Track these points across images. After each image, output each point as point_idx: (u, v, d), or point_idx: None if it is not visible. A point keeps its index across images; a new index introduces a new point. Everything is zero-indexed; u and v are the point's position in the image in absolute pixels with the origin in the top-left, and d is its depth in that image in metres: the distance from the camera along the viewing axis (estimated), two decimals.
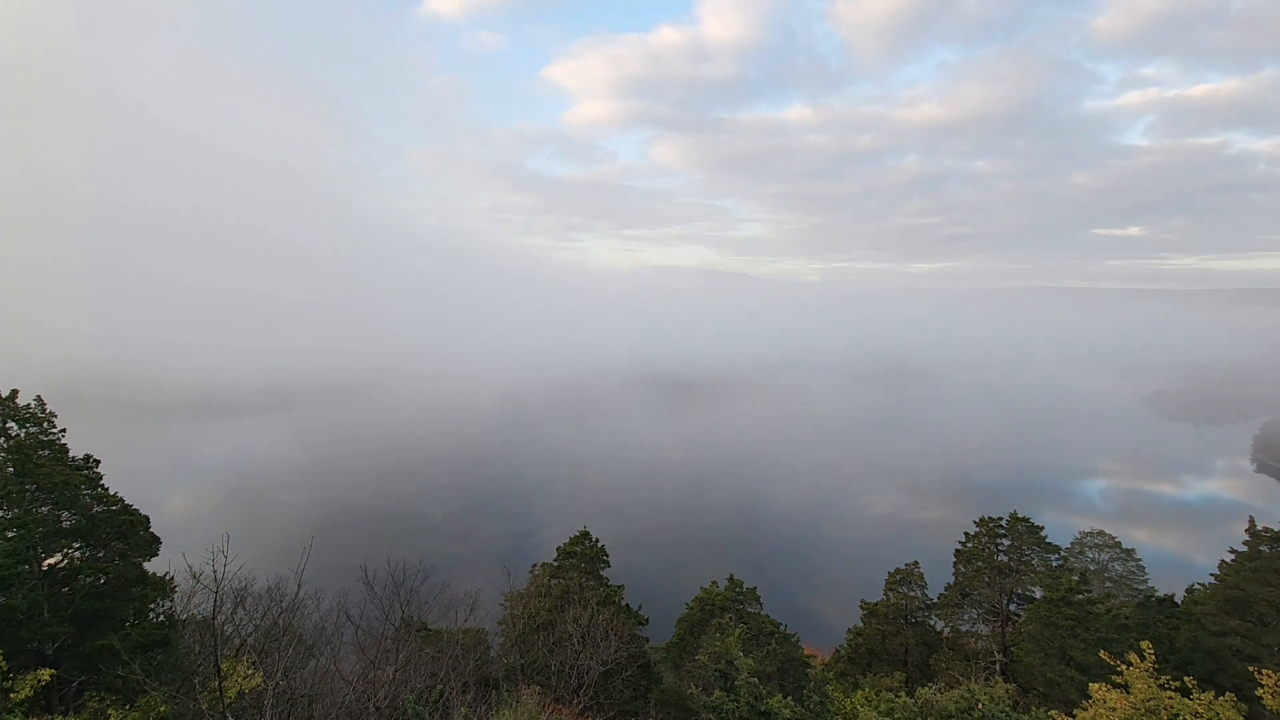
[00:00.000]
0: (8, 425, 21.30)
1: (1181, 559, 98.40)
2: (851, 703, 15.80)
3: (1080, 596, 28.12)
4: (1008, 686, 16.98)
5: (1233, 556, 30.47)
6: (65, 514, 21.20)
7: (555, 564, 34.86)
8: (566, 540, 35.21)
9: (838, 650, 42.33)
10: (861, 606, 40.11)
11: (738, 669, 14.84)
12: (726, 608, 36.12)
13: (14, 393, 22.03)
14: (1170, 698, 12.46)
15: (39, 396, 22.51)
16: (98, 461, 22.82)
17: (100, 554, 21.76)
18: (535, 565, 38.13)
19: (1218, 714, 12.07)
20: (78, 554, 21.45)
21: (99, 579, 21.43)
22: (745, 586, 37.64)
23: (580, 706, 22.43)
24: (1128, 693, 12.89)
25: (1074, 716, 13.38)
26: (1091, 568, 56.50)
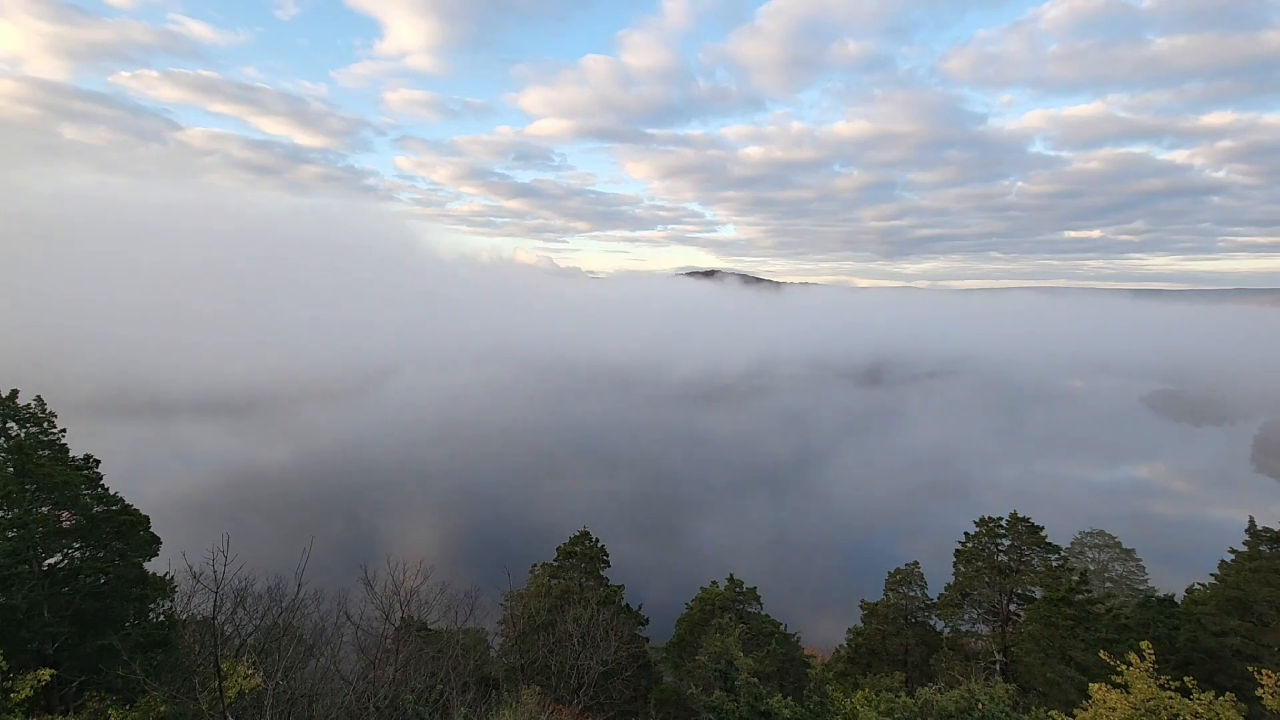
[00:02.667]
0: (8, 425, 21.31)
1: (1181, 559, 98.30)
2: (851, 703, 15.82)
3: (1080, 596, 28.09)
4: (1008, 686, 16.98)
5: (1233, 556, 30.46)
6: (65, 514, 21.21)
7: (555, 564, 34.86)
8: (567, 540, 35.23)
9: (838, 650, 42.37)
10: (861, 606, 40.11)
11: (738, 669, 14.84)
12: (726, 608, 36.12)
13: (14, 393, 22.05)
14: (1170, 698, 12.45)
15: (39, 397, 22.53)
16: (98, 461, 22.84)
17: (100, 554, 21.76)
18: (535, 565, 38.12)
19: (1218, 714, 12.06)
20: (78, 554, 21.46)
21: (99, 579, 21.44)
22: (745, 586, 37.65)
23: (580, 706, 22.42)
24: (1128, 693, 12.89)
25: (1074, 716, 13.38)
26: (1091, 568, 56.50)
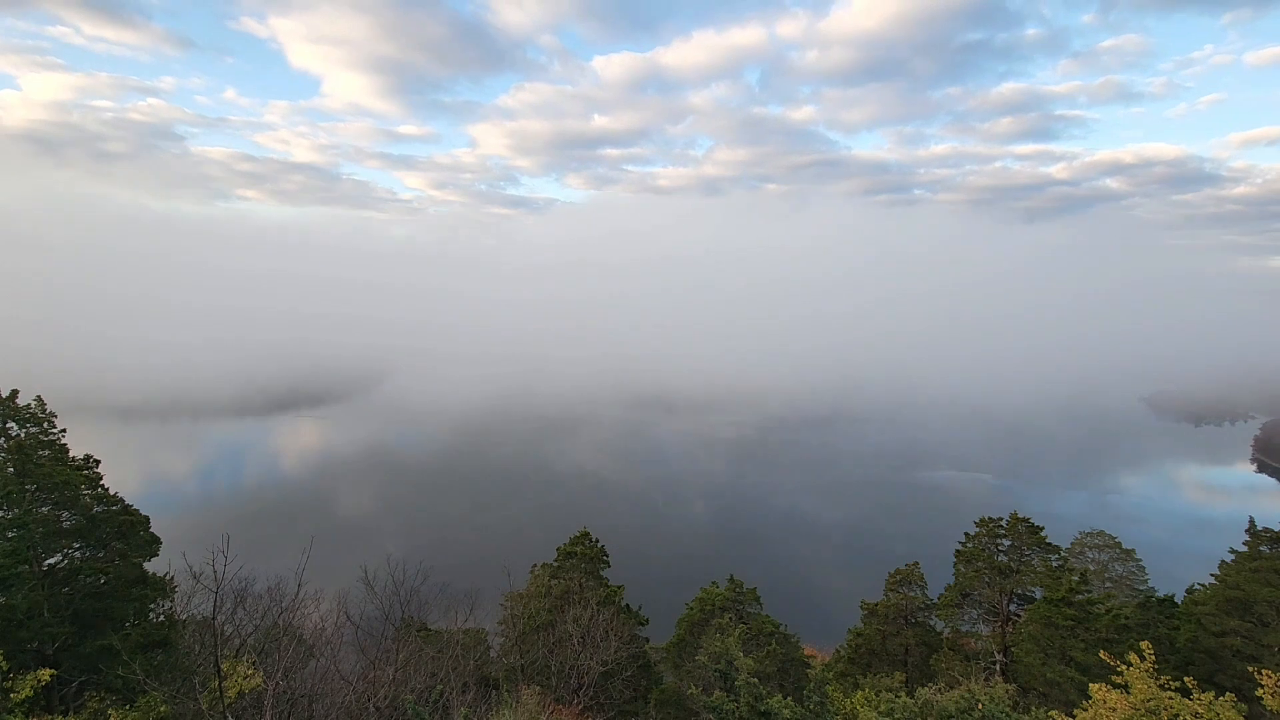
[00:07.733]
0: (8, 425, 21.32)
1: (1181, 559, 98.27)
2: (851, 703, 15.81)
3: (1080, 596, 28.09)
4: (1008, 686, 16.98)
5: (1233, 557, 30.46)
6: (65, 514, 21.22)
7: (555, 564, 34.84)
8: (567, 540, 35.21)
9: (838, 650, 42.31)
10: (861, 607, 40.04)
11: (738, 669, 14.82)
12: (726, 608, 36.09)
13: (14, 393, 22.05)
14: (1170, 698, 12.43)
15: (39, 397, 22.53)
16: (98, 462, 22.83)
17: (100, 554, 21.77)
18: (535, 565, 38.08)
19: (1218, 714, 12.04)
20: (78, 554, 21.46)
21: (99, 579, 21.44)
22: (745, 586, 37.60)
23: (580, 706, 22.41)
24: (1128, 693, 12.86)
25: (1074, 716, 13.35)
26: (1091, 568, 56.40)
